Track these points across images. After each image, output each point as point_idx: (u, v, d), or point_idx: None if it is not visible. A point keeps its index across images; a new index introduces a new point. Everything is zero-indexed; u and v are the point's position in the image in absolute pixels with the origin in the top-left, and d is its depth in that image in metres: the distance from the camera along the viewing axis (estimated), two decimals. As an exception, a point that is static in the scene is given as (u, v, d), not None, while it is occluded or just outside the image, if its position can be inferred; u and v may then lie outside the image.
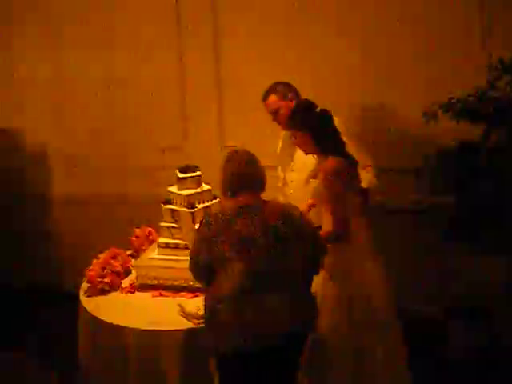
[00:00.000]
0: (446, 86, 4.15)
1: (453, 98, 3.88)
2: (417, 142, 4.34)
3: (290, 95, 3.88)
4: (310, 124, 3.38)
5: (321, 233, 3.22)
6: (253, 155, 3.06)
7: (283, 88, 3.91)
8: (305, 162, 3.73)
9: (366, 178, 3.58)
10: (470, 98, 3.86)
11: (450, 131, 3.95)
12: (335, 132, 3.39)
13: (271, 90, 3.92)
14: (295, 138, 3.52)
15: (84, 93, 5.16)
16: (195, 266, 3.03)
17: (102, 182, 5.30)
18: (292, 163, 3.93)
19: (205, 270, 2.98)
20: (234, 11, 4.67)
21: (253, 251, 2.88)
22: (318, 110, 3.40)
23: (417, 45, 4.35)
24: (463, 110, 3.84)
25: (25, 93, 5.33)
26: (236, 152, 3.09)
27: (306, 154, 3.51)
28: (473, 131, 3.89)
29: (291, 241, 2.94)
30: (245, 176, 2.99)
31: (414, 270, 4.29)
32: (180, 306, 3.33)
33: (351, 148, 3.45)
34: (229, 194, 3.03)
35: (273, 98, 3.89)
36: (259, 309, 2.86)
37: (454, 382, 4.02)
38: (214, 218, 2.98)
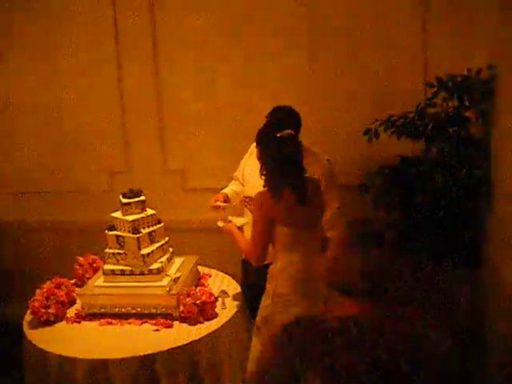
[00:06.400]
0: (387, 104, 4.25)
1: (393, 116, 3.96)
2: (360, 158, 4.40)
3: None
4: (261, 145, 3.23)
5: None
6: None
7: None
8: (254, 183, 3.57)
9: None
10: (410, 115, 3.95)
11: (392, 147, 4.03)
12: (286, 163, 3.10)
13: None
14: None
15: (31, 118, 5.09)
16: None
17: (48, 209, 5.21)
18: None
19: None
20: (173, 35, 4.70)
21: None
22: (278, 134, 3.10)
23: (359, 64, 4.45)
24: (403, 127, 3.92)
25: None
26: None
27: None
28: (414, 147, 3.98)
29: None
30: None
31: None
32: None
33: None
34: None
35: None
36: None
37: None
38: (302, 339, 2.31)
